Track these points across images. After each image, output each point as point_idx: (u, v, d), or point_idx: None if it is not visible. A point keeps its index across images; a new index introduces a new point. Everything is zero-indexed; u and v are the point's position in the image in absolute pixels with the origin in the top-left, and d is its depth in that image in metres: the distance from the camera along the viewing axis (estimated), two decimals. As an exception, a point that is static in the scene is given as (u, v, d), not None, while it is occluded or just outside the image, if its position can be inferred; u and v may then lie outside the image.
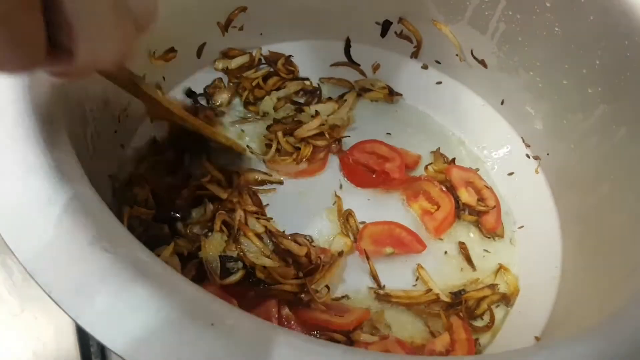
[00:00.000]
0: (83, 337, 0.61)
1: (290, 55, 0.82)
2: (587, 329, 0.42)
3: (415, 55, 0.81)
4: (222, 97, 0.77)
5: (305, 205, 0.71)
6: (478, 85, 0.79)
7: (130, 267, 0.34)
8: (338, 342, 0.58)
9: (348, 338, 0.59)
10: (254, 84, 0.79)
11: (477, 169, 0.76)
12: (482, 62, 0.75)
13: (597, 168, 0.64)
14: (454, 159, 0.76)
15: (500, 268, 0.68)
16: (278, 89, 0.80)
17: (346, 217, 0.69)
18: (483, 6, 0.69)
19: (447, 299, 0.63)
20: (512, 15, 0.68)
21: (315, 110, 0.76)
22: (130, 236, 0.37)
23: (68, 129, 0.43)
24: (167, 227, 0.62)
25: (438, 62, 0.80)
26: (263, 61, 0.81)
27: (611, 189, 0.62)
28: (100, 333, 0.32)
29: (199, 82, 0.77)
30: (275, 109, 0.78)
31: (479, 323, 0.64)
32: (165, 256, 0.58)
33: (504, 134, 0.77)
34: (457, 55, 0.76)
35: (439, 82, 0.81)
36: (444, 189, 0.72)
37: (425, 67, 0.81)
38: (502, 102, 0.77)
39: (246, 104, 0.78)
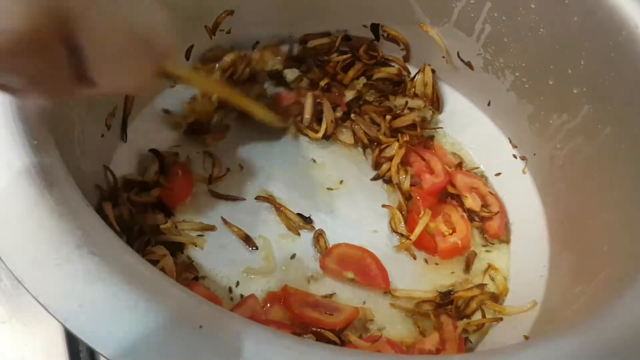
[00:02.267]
0: (72, 344, 0.60)
1: (373, 40, 0.80)
2: (573, 326, 0.43)
3: (406, 58, 0.81)
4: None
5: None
6: (465, 87, 0.79)
7: (118, 270, 0.34)
8: (329, 341, 0.58)
9: (339, 338, 0.59)
10: (338, 68, 0.78)
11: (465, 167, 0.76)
12: (469, 64, 0.75)
13: (583, 167, 0.65)
14: (460, 163, 0.76)
15: (490, 268, 0.68)
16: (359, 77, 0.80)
17: (317, 237, 0.67)
18: (469, 8, 0.70)
19: (436, 299, 0.64)
20: (497, 16, 0.68)
21: (407, 101, 0.77)
22: (117, 239, 0.37)
23: (54, 132, 0.43)
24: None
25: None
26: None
27: (597, 188, 0.62)
28: (88, 336, 0.32)
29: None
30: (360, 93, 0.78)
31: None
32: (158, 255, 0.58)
33: (491, 135, 0.78)
34: (443, 57, 0.77)
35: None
36: (465, 215, 0.71)
37: (412, 69, 0.82)
38: (489, 104, 0.77)
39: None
